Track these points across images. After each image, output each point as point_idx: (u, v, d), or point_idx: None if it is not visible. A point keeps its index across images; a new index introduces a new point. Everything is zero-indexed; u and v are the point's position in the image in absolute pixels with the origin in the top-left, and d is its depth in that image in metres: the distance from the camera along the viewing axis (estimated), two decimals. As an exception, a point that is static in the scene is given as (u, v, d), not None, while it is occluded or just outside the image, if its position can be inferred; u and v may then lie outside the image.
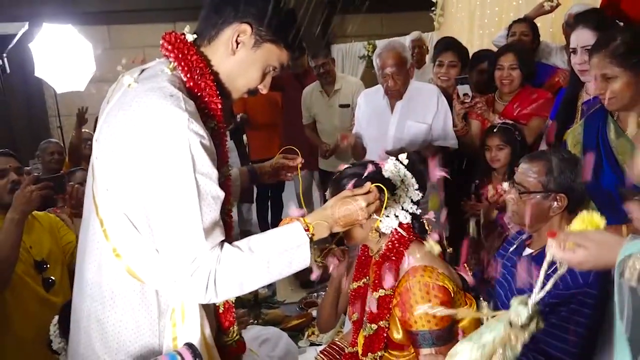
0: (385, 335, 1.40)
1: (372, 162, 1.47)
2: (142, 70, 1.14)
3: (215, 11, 1.14)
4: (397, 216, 1.41)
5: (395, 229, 1.41)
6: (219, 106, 1.13)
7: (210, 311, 1.21)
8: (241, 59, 1.14)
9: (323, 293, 2.46)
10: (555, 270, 1.41)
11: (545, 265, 1.06)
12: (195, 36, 1.16)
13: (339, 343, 1.93)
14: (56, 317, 1.77)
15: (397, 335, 1.38)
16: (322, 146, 3.70)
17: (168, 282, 1.06)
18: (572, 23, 2.24)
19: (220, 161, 1.12)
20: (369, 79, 4.78)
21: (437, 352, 1.30)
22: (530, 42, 2.96)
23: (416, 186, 1.45)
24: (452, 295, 1.33)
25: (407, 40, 4.21)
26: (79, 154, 3.78)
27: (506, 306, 1.55)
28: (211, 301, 1.07)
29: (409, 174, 1.44)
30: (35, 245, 2.08)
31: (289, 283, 3.08)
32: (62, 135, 5.67)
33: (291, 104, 4.12)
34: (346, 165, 1.53)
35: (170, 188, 1.00)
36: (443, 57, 2.93)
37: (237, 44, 1.12)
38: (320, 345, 2.05)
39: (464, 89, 2.61)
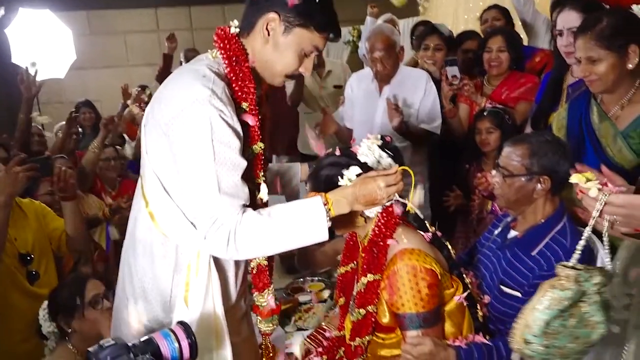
0: (373, 320, 1.40)
1: (344, 148, 1.46)
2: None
3: (251, 4, 1.26)
4: None
5: (381, 213, 1.40)
6: (252, 89, 1.25)
7: (228, 275, 1.35)
8: (274, 45, 1.25)
9: (309, 279, 2.47)
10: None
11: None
12: (238, 29, 1.29)
13: (325, 327, 1.95)
14: (45, 302, 1.78)
15: (385, 319, 1.39)
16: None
17: (198, 239, 1.19)
18: (559, 4, 2.24)
19: (251, 138, 1.27)
20: (353, 64, 4.76)
21: (423, 334, 1.31)
22: (504, 26, 2.99)
23: (394, 164, 1.42)
24: (439, 277, 1.33)
25: (379, 22, 4.19)
26: (62, 148, 3.72)
27: (491, 288, 1.58)
28: (233, 257, 1.27)
29: (384, 154, 1.41)
30: (20, 237, 2.06)
31: (275, 269, 3.08)
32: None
33: (273, 91, 4.07)
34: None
35: (189, 153, 1.16)
36: (429, 41, 2.92)
37: (269, 32, 1.23)
38: (307, 330, 2.06)
39: (452, 71, 2.60)
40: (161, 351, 0.97)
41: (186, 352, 0.99)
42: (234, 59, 1.23)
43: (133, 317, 1.30)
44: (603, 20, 1.61)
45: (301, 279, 2.51)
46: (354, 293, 1.45)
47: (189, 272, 1.25)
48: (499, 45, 2.58)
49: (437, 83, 2.71)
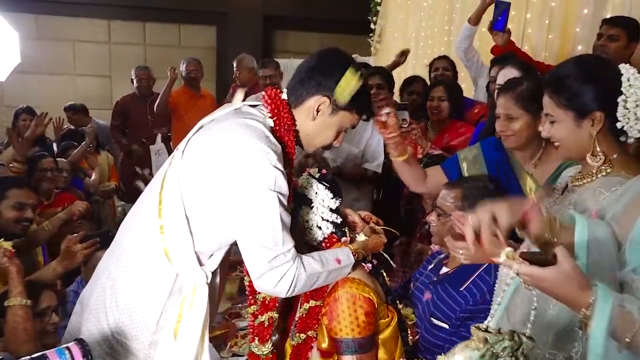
0: (312, 345, 1.47)
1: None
2: (249, 105, 1.41)
3: (301, 84, 1.39)
4: (320, 228, 1.49)
5: (323, 241, 1.49)
6: (293, 157, 1.40)
7: (215, 298, 1.43)
8: (320, 123, 1.39)
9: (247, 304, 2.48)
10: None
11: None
12: (285, 97, 1.41)
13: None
14: None
15: (324, 344, 1.45)
16: None
17: (253, 277, 1.30)
18: (499, 62, 2.46)
19: (287, 200, 1.35)
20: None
21: (358, 359, 1.39)
22: (451, 77, 3.26)
23: (331, 195, 1.52)
24: (376, 306, 1.42)
25: None
26: None
27: (422, 319, 1.69)
28: (286, 296, 1.34)
29: (321, 186, 1.52)
30: None
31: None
32: (-24, 126, 5.26)
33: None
34: None
35: (258, 204, 1.25)
36: (370, 81, 3.08)
37: (318, 112, 1.37)
38: (243, 356, 2.07)
39: (402, 115, 2.77)
40: None
41: None
42: (285, 127, 1.35)
43: (109, 332, 1.29)
44: (523, 84, 1.80)
45: (239, 305, 2.52)
46: (296, 318, 1.51)
47: (183, 304, 1.29)
48: (440, 94, 2.81)
49: None
